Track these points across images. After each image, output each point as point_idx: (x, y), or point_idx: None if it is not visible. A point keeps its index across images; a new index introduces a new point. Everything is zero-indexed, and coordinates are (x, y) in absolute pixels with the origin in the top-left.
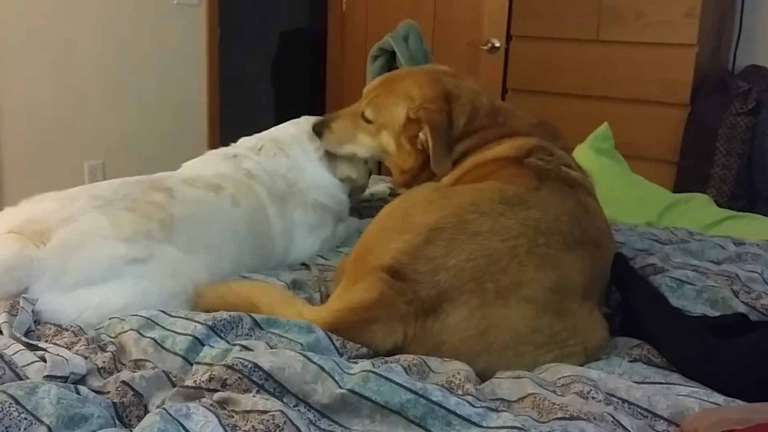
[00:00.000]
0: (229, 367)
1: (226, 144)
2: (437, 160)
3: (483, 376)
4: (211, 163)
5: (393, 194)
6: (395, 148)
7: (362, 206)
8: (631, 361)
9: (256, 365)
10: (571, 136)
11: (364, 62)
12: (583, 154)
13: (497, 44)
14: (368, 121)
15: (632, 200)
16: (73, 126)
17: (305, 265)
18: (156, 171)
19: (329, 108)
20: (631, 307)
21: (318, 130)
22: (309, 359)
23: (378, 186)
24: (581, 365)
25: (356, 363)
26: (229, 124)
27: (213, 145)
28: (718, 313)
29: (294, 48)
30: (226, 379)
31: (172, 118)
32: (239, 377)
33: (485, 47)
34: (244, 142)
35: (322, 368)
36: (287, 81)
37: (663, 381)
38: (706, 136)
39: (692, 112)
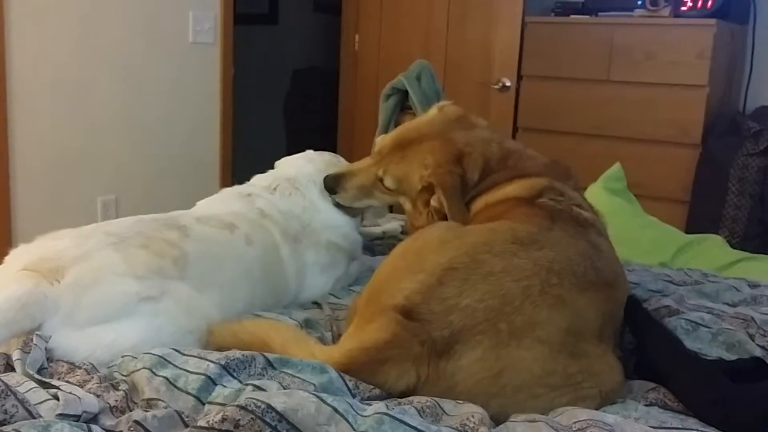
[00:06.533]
0: (242, 407)
1: (238, 181)
2: (455, 220)
3: (497, 419)
4: (226, 202)
5: (405, 232)
6: (411, 209)
7: (375, 244)
8: (647, 405)
9: (269, 406)
10: (583, 176)
11: (376, 100)
12: (596, 194)
13: (508, 83)
14: (388, 189)
15: (646, 241)
16: (86, 161)
17: (317, 304)
18: (169, 206)
19: (340, 145)
20: (645, 350)
21: (330, 187)
22: (322, 400)
23: (390, 224)
24: (596, 408)
25: (370, 404)
26: (241, 161)
27: (225, 181)
28: (734, 357)
29: (307, 85)
30: (239, 420)
31: (186, 154)
32: (252, 418)
33: (496, 86)
34: (258, 180)
35: (335, 410)
36: (300, 118)
37: (680, 426)
38: (718, 176)
39: (704, 152)
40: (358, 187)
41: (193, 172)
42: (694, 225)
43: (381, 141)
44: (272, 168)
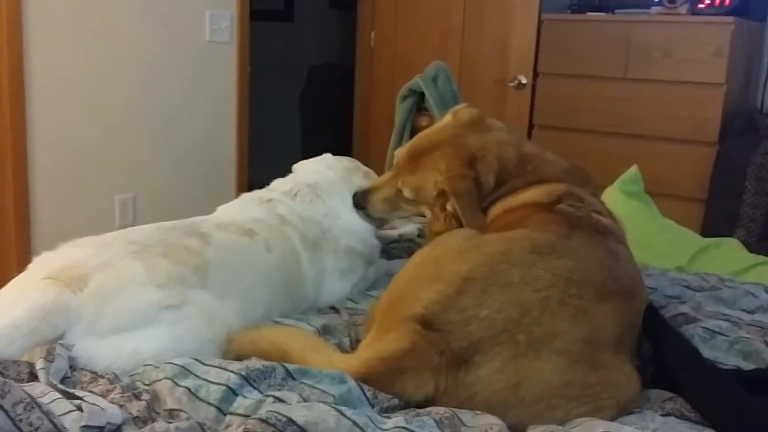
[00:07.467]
0: (263, 420)
1: (254, 180)
2: (470, 225)
3: (515, 430)
4: (246, 208)
5: (421, 235)
6: (431, 216)
7: (391, 247)
8: (663, 415)
9: (290, 419)
10: (599, 174)
11: (392, 97)
12: (613, 196)
13: (524, 81)
14: (408, 200)
15: (662, 244)
16: (103, 160)
17: (335, 309)
18: (186, 204)
19: (356, 143)
20: (662, 360)
21: (359, 204)
22: (342, 414)
23: (407, 227)
24: (613, 419)
25: (389, 417)
26: (257, 158)
27: (242, 178)
28: (751, 366)
29: (322, 82)
30: None
31: (203, 152)
32: (273, 431)
33: (512, 84)
34: (279, 185)
35: (355, 423)
36: (315, 114)
37: None
38: (735, 174)
39: (721, 150)
40: (384, 200)
41: (210, 170)
42: (710, 224)
43: (398, 153)
44: (289, 169)
